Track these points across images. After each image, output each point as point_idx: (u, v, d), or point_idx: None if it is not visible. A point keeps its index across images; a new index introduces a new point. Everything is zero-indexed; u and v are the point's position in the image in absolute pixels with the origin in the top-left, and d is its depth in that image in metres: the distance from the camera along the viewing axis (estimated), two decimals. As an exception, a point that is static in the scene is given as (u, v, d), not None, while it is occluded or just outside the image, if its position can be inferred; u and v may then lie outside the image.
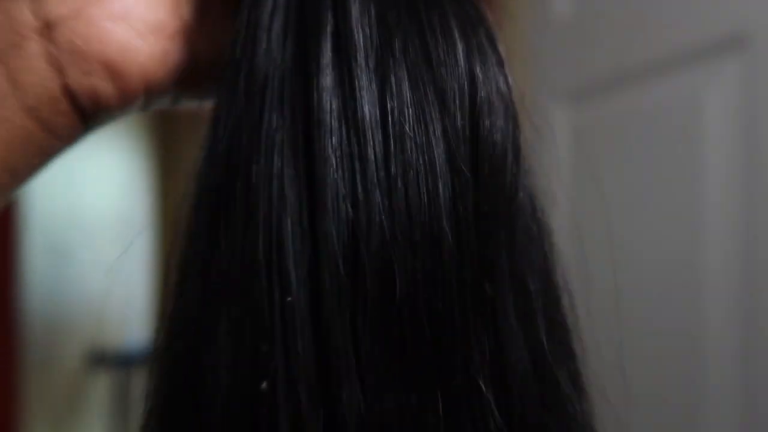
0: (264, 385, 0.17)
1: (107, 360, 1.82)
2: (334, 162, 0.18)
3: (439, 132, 0.19)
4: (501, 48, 0.21)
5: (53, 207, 1.60)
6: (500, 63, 0.21)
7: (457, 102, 0.19)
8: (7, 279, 1.20)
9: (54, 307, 1.62)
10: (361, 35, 0.19)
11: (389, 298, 0.18)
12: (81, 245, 1.78)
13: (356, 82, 0.19)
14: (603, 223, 1.03)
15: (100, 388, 1.85)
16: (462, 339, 0.18)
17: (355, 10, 0.19)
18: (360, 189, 0.18)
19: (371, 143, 0.18)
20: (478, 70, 0.20)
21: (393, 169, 0.18)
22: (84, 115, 0.21)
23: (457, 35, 0.20)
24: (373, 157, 0.18)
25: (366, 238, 0.18)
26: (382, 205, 0.18)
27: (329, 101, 0.18)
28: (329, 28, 0.19)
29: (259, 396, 0.18)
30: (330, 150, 0.18)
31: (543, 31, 1.11)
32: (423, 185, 0.18)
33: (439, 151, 0.19)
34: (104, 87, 0.21)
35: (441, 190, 0.18)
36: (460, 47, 0.20)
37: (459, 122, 0.19)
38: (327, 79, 0.19)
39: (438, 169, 0.19)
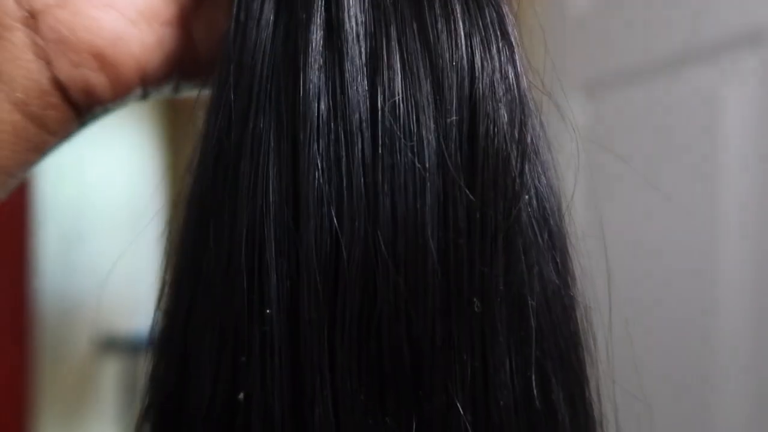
0: (241, 396, 0.17)
1: (117, 345, 1.83)
2: (319, 166, 0.17)
3: (431, 131, 0.17)
4: (512, 31, 0.19)
5: (65, 194, 1.61)
6: (510, 48, 0.19)
7: (454, 95, 0.17)
8: (20, 265, 1.21)
9: (65, 293, 1.63)
10: (354, 24, 0.17)
11: (369, 314, 0.17)
12: (92, 232, 1.79)
13: (346, 78, 0.17)
14: (619, 218, 1.03)
15: (110, 373, 1.87)
16: (443, 358, 0.17)
17: None
18: (345, 195, 0.17)
19: (359, 146, 0.17)
20: (479, 58, 0.18)
21: (380, 174, 0.17)
22: (77, 108, 0.20)
23: (460, 19, 0.18)
24: (360, 161, 0.17)
25: (348, 248, 0.17)
26: (367, 213, 0.17)
27: (317, 100, 0.17)
28: (320, 18, 0.17)
29: (237, 406, 0.17)
30: (316, 153, 0.17)
31: (560, 26, 1.11)
32: (410, 191, 0.17)
33: (430, 152, 0.17)
34: (96, 79, 0.20)
35: (428, 196, 0.17)
36: (462, 33, 0.18)
37: (455, 118, 0.17)
38: (315, 76, 0.17)
39: (427, 173, 0.17)
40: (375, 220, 0.17)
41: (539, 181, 0.19)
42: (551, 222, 0.19)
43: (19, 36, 0.19)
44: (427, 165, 0.17)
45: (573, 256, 0.20)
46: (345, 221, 0.17)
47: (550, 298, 0.19)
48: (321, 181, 0.17)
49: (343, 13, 0.17)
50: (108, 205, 1.91)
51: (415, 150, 0.17)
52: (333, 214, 0.17)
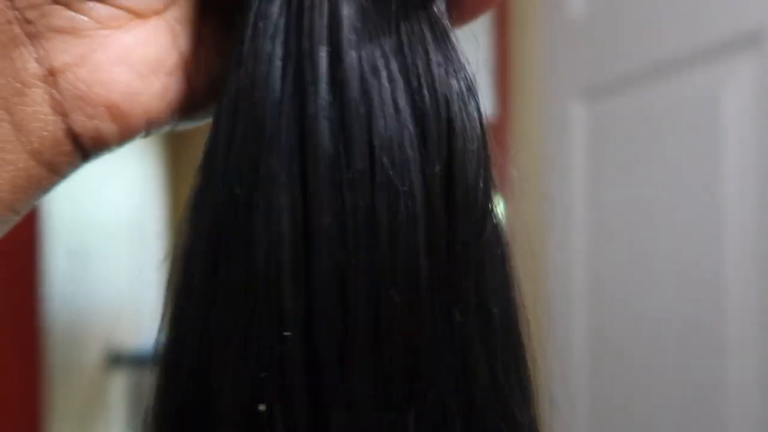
0: (262, 407, 0.19)
1: (124, 360, 1.83)
2: (327, 209, 0.19)
3: (419, 177, 0.20)
4: (478, 87, 0.22)
5: (73, 211, 1.62)
6: (478, 106, 0.22)
7: (436, 146, 0.20)
8: (30, 282, 1.22)
9: (73, 309, 1.64)
10: (355, 87, 0.20)
11: (374, 329, 0.20)
12: (99, 248, 1.80)
13: (350, 134, 0.20)
14: (621, 220, 1.03)
15: (118, 388, 1.87)
16: (434, 362, 0.20)
17: (350, 60, 0.20)
18: (351, 234, 0.19)
19: (361, 191, 0.20)
20: (457, 115, 0.21)
21: (380, 216, 0.20)
22: (85, 152, 0.22)
23: (440, 81, 0.21)
24: (363, 204, 0.19)
25: (354, 278, 0.19)
26: (370, 249, 0.19)
27: (324, 152, 0.19)
28: (325, 82, 0.20)
29: (258, 416, 0.19)
30: (324, 198, 0.19)
31: (560, 31, 1.12)
32: (404, 229, 0.20)
33: (419, 195, 0.20)
34: (107, 128, 0.21)
35: (420, 233, 0.20)
36: (442, 93, 0.21)
37: (437, 167, 0.20)
38: (324, 132, 0.20)
39: (417, 213, 0.20)
40: (377, 254, 0.20)
41: (496, 210, 0.23)
42: (502, 240, 0.23)
43: (39, 92, 0.20)
44: (417, 206, 0.20)
45: (515, 268, 0.24)
46: (351, 255, 0.19)
47: (504, 305, 0.22)
48: (329, 222, 0.19)
49: (347, 76, 0.20)
50: (114, 221, 1.92)
51: (408, 194, 0.20)
52: (341, 250, 0.19)
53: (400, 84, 0.20)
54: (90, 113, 0.20)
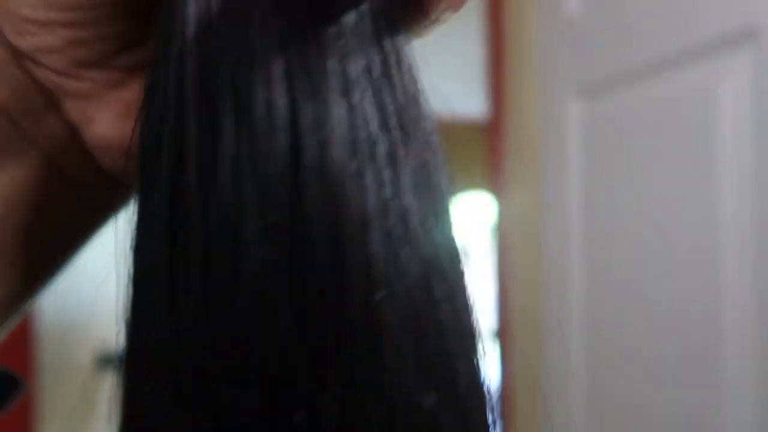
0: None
1: (115, 362, 1.82)
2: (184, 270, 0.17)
3: (254, 235, 0.16)
4: (389, 117, 0.18)
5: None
6: (380, 138, 0.18)
7: (277, 191, 0.17)
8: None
9: (64, 311, 1.63)
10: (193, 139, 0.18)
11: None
12: (91, 249, 1.79)
13: (189, 185, 0.18)
14: (618, 217, 1.03)
15: (109, 390, 1.86)
16: None
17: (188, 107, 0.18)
18: (202, 301, 0.17)
19: (198, 263, 0.17)
20: (307, 154, 0.17)
21: (209, 286, 0.17)
22: (124, 188, 0.25)
23: (287, 116, 0.17)
24: (200, 276, 0.17)
25: (209, 349, 0.17)
26: (199, 332, 0.17)
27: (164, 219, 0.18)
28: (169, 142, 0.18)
29: None
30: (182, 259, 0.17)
31: (556, 28, 1.11)
32: (229, 305, 0.16)
33: (251, 259, 0.16)
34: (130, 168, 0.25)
35: (247, 307, 0.16)
36: (292, 133, 0.17)
37: (277, 216, 0.16)
38: (192, 176, 0.17)
39: (247, 282, 0.16)
40: (206, 335, 0.17)
41: (402, 269, 0.17)
42: (423, 319, 0.17)
43: (71, 148, 0.23)
44: (247, 275, 0.16)
45: (465, 360, 0.17)
46: (203, 327, 0.17)
47: (407, 419, 0.16)
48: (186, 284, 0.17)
49: (185, 126, 0.18)
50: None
51: (236, 259, 0.16)
52: (199, 311, 0.17)
53: (241, 127, 0.17)
54: (111, 157, 0.23)
